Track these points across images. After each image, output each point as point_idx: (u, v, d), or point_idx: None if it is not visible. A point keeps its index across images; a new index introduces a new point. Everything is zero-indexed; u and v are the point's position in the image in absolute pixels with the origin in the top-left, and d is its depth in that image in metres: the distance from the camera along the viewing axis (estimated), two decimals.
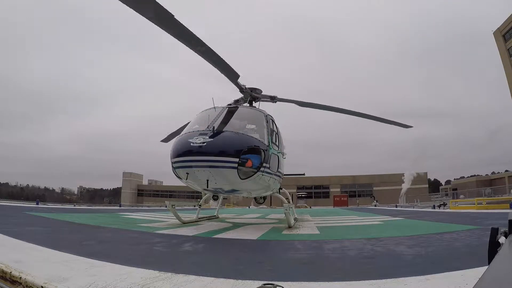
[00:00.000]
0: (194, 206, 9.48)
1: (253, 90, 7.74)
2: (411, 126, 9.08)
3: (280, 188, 8.14)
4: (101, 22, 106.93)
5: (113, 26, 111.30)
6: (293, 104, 8.00)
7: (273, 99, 7.92)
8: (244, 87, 7.41)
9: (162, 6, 3.96)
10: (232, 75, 6.27)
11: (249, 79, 7.06)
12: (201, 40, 4.78)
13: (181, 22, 4.27)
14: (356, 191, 49.03)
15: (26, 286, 1.77)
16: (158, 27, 4.33)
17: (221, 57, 5.34)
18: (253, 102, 8.00)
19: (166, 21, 4.31)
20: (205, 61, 5.28)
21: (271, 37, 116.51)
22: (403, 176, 44.27)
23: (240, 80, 6.80)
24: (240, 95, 7.82)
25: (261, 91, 7.93)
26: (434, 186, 60.16)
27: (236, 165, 5.37)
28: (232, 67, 5.79)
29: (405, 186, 42.84)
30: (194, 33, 4.56)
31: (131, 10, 3.92)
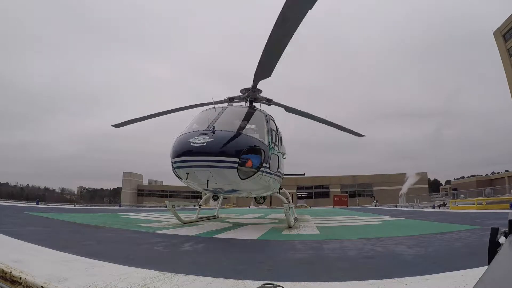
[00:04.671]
0: (194, 206, 9.47)
1: (247, 90, 7.74)
2: (363, 135, 10.24)
3: (280, 188, 8.14)
4: (101, 22, 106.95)
5: (114, 26, 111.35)
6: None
7: (269, 101, 7.91)
8: (235, 96, 7.60)
9: None
10: (266, 72, 6.08)
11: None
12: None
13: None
14: (356, 191, 49.05)
15: (26, 286, 1.77)
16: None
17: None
18: (253, 102, 8.00)
19: None
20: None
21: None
22: (405, 177, 44.25)
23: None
24: (237, 94, 7.81)
25: (261, 91, 7.93)
26: (434, 186, 60.19)
27: (236, 165, 5.37)
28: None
29: (404, 188, 42.84)
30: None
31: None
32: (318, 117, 8.87)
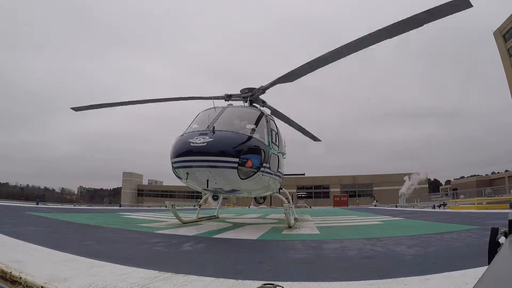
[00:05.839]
0: (194, 206, 9.43)
1: (245, 90, 7.72)
2: (320, 140, 11.28)
3: (280, 188, 8.14)
4: (101, 22, 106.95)
5: (113, 25, 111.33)
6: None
7: (260, 89, 7.66)
8: (233, 94, 7.67)
9: None
10: (292, 78, 6.65)
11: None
12: None
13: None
14: (356, 191, 49.02)
15: (26, 286, 1.76)
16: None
17: None
18: (253, 102, 7.99)
19: None
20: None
21: (272, 36, 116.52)
22: (407, 176, 44.29)
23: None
24: (236, 92, 7.83)
25: (255, 89, 7.89)
26: (434, 186, 60.17)
27: (236, 165, 5.37)
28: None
29: (404, 188, 42.87)
30: None
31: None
32: (297, 123, 9.42)
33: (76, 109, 8.24)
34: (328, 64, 5.93)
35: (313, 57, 5.75)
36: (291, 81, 6.63)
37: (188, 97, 7.87)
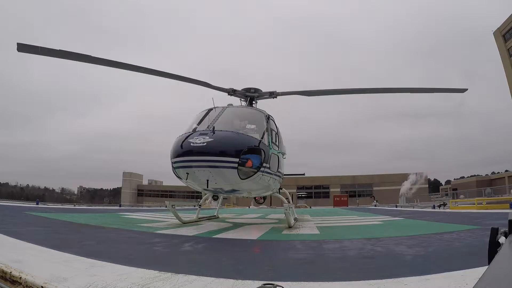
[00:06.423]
0: (194, 206, 9.42)
1: (250, 90, 7.71)
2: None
3: (280, 188, 8.14)
4: (101, 22, 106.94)
5: (113, 25, 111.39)
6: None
7: (272, 94, 7.70)
8: (238, 90, 7.62)
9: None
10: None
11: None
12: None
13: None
14: (356, 191, 49.04)
15: (26, 286, 1.77)
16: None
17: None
18: (252, 102, 7.99)
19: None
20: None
21: (272, 36, 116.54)
22: (413, 174, 44.41)
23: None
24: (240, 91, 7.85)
25: (261, 90, 7.91)
26: (434, 186, 60.18)
27: (236, 165, 5.37)
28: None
29: (405, 187, 42.93)
30: None
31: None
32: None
33: (20, 48, 5.63)
34: (340, 94, 6.45)
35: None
36: (309, 96, 6.80)
37: (191, 79, 7.12)
